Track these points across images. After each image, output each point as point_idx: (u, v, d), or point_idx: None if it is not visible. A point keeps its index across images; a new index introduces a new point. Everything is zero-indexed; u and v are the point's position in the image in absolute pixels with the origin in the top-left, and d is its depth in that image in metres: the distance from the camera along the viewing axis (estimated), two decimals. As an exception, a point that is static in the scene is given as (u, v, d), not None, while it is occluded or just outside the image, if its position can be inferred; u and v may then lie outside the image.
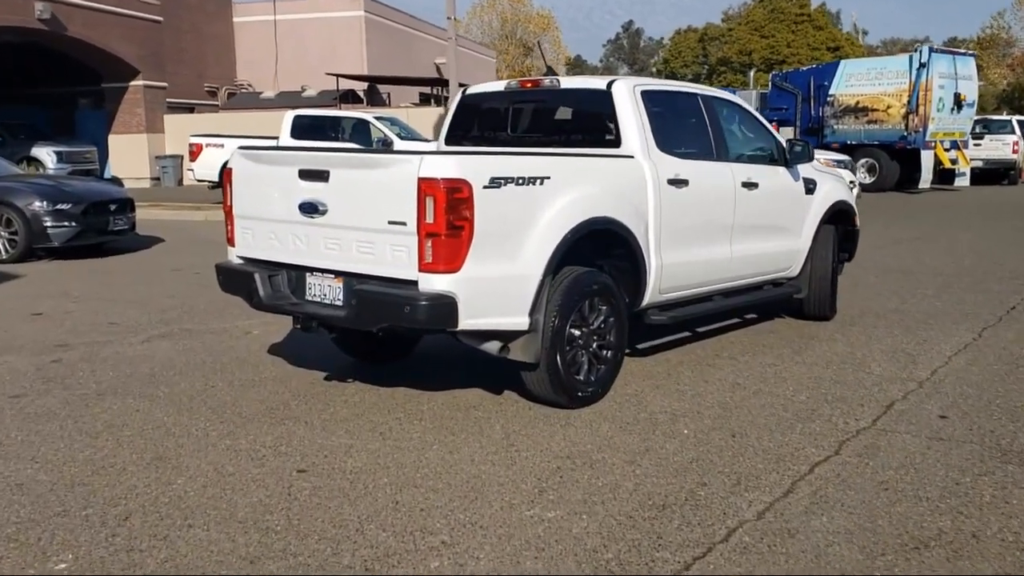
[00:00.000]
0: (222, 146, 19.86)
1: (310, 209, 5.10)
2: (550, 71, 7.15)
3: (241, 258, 5.67)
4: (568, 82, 6.30)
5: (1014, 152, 27.61)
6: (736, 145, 6.88)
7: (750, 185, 6.69)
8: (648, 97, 6.00)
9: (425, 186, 4.61)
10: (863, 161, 23.90)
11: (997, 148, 27.72)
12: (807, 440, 4.94)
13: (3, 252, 12.04)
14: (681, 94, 6.55)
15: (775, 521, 3.90)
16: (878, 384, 6.03)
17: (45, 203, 12.04)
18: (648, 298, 5.93)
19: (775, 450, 4.79)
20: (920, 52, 23.35)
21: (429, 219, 4.62)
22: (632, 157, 5.79)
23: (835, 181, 7.96)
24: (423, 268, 4.70)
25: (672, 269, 5.99)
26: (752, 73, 38.41)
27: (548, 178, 5.07)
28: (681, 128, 6.41)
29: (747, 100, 15.13)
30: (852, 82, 24.63)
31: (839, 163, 18.69)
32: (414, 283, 4.75)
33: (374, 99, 33.28)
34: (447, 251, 4.66)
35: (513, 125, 6.68)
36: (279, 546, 3.66)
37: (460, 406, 5.52)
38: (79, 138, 28.48)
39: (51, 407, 5.56)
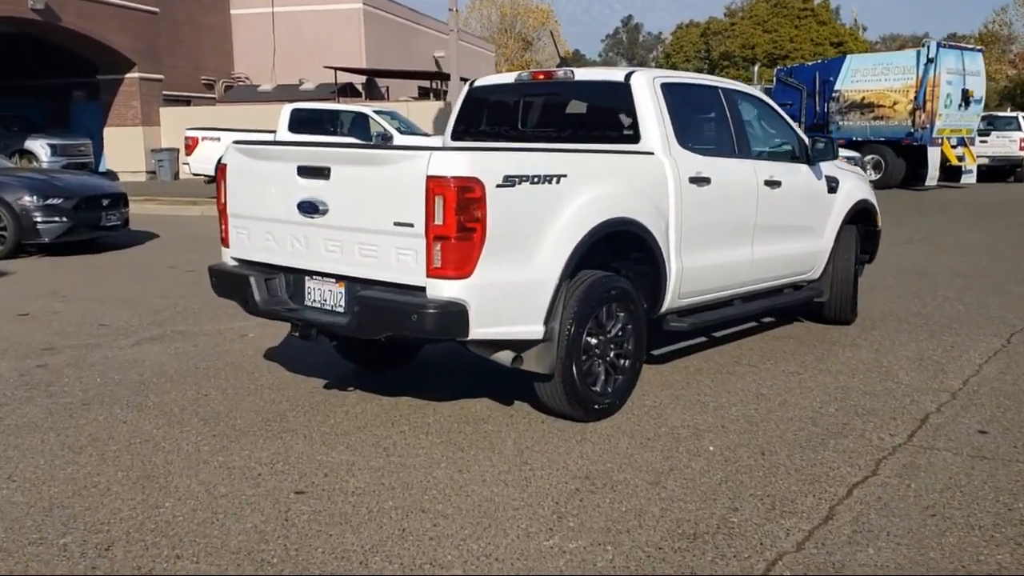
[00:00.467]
0: (219, 139, 19.56)
1: (310, 209, 4.75)
2: (563, 62, 6.78)
3: (236, 260, 5.33)
4: (583, 74, 5.95)
5: (1021, 149, 27.27)
6: (757, 141, 6.54)
7: (773, 183, 6.36)
8: (668, 90, 5.66)
9: (434, 185, 4.27)
10: (869, 158, 23.54)
11: (1004, 145, 27.39)
12: (841, 458, 4.61)
13: (-9, 248, 11.69)
14: (701, 87, 6.20)
15: (817, 553, 3.58)
16: (909, 395, 5.71)
17: (35, 198, 11.68)
18: (667, 303, 5.59)
19: (808, 469, 4.46)
20: (928, 47, 22.99)
21: (438, 220, 4.28)
22: (652, 154, 5.45)
23: (857, 179, 7.63)
24: (432, 273, 4.36)
25: (693, 273, 5.66)
26: (756, 68, 38.04)
27: (565, 176, 4.73)
28: (702, 123, 6.08)
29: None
30: (858, 78, 24.28)
31: (850, 159, 18.35)
32: (422, 289, 4.42)
33: (372, 93, 32.92)
34: (457, 255, 4.32)
35: (524, 119, 6.33)
36: (275, 582, 3.33)
37: (468, 419, 5.18)
38: (74, 131, 28.08)
39: (33, 417, 5.22)
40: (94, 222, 12.24)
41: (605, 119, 5.88)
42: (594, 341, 5.02)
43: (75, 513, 3.92)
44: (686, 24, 64.79)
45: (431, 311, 4.33)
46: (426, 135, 20.36)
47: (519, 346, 4.77)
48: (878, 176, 23.47)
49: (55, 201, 11.76)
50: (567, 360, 4.81)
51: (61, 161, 24.04)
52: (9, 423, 5.11)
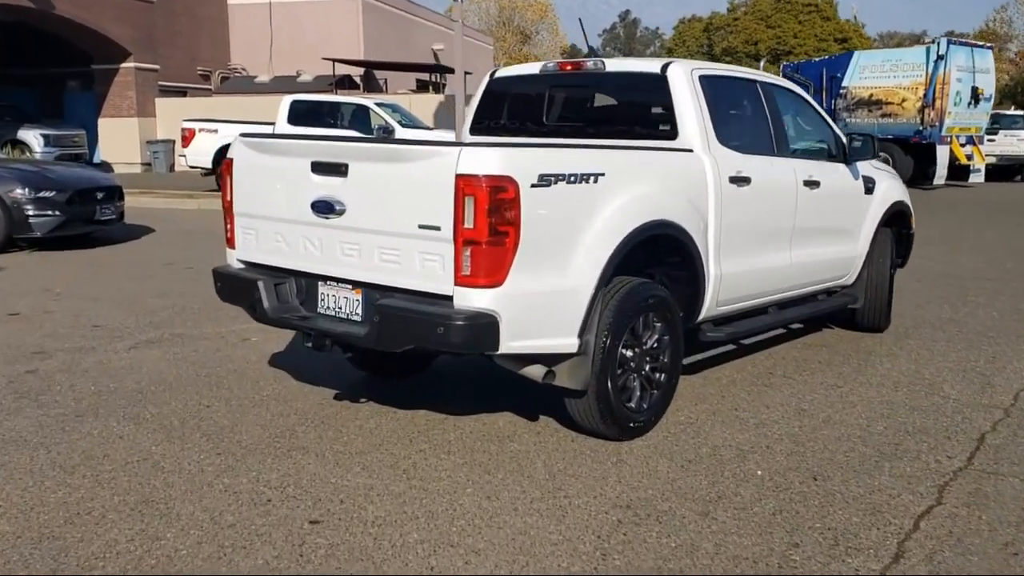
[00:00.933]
0: (216, 131, 19.11)
1: (325, 208, 4.36)
2: (592, 52, 6.38)
3: (242, 262, 4.94)
4: (615, 65, 5.55)
5: (1029, 148, 26.95)
6: (795, 138, 6.16)
7: (812, 184, 5.99)
8: (706, 82, 5.28)
9: (464, 184, 3.89)
10: (876, 155, 23.16)
11: (1011, 144, 27.06)
12: (900, 484, 4.24)
13: (-19, 243, 11.26)
14: (740, 80, 5.81)
15: (895, 600, 3.21)
16: (959, 411, 5.34)
17: (27, 190, 11.24)
18: (705, 312, 5.22)
19: (867, 497, 4.09)
20: (938, 44, 22.59)
21: (468, 224, 3.90)
22: (691, 151, 5.07)
23: (892, 179, 7.26)
24: (460, 281, 3.97)
25: (731, 279, 5.29)
26: (762, 64, 37.60)
27: (602, 175, 4.35)
28: (740, 119, 5.70)
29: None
30: (866, 74, 23.89)
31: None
32: (448, 298, 4.03)
33: (371, 85, 32.46)
34: (488, 262, 3.94)
35: (549, 113, 5.93)
36: (293, 634, 2.96)
37: (492, 436, 4.80)
38: (68, 121, 27.59)
39: (22, 431, 4.83)
40: (88, 216, 11.81)
41: (638, 113, 5.50)
42: (629, 354, 4.65)
43: (67, 545, 3.54)
44: (688, 19, 64.30)
45: (459, 323, 3.94)
46: (428, 129, 19.94)
47: (550, 359, 4.39)
48: (885, 174, 23.04)
49: (48, 194, 11.33)
50: (602, 375, 4.43)
51: (54, 152, 23.57)
52: (-5, 437, 4.73)
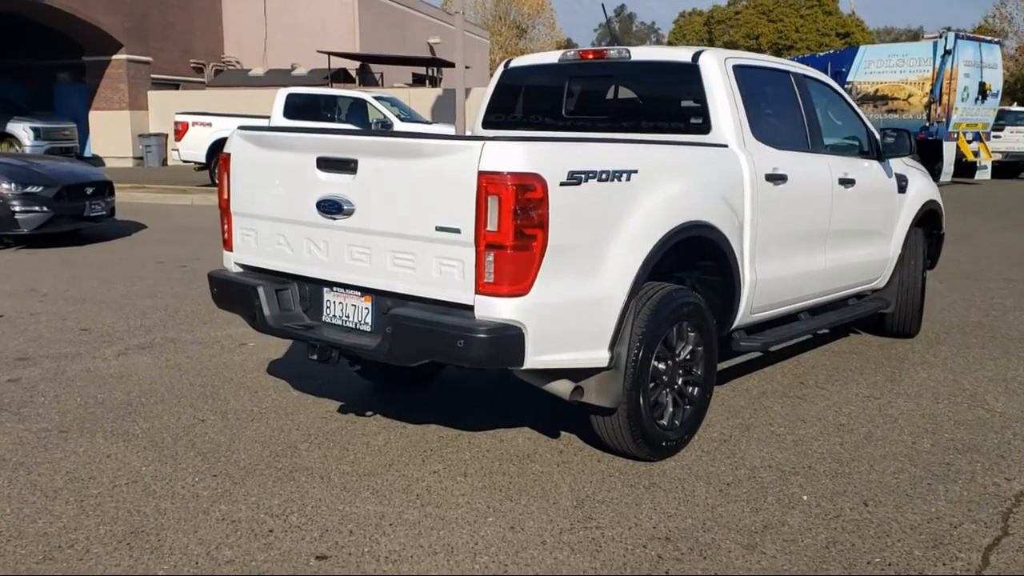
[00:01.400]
0: (209, 125, 18.73)
1: (332, 208, 3.98)
2: (615, 39, 6.00)
3: (241, 266, 4.55)
4: (641, 53, 5.16)
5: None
6: (828, 134, 5.79)
7: (847, 182, 5.62)
8: (740, 73, 4.90)
9: (487, 182, 3.51)
10: (881, 152, 22.82)
11: (1017, 141, 26.72)
12: (959, 511, 3.88)
13: (-34, 239, 10.85)
14: (773, 70, 5.43)
15: (980, 654, 2.85)
16: (1008, 426, 4.99)
17: (13, 185, 10.82)
18: (739, 319, 4.85)
19: (925, 527, 3.73)
20: (945, 39, 22.24)
21: (491, 226, 3.52)
22: (725, 146, 4.69)
23: (924, 177, 6.90)
24: (482, 290, 3.59)
25: (767, 284, 4.92)
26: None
27: (635, 172, 3.98)
28: (775, 112, 5.32)
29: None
30: (872, 69, 23.54)
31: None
32: (469, 308, 3.65)
33: (366, 79, 32.03)
34: (514, 268, 3.56)
35: (569, 106, 5.54)
36: None
37: (511, 455, 4.43)
38: (58, 114, 27.10)
39: (0, 449, 4.44)
40: (77, 212, 11.39)
41: (667, 106, 5.12)
42: (662, 367, 4.28)
43: (45, 586, 3.16)
44: (689, 12, 63.75)
45: (481, 336, 3.56)
46: (427, 123, 19.54)
47: (578, 374, 4.02)
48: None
49: (35, 189, 10.91)
50: (633, 391, 4.06)
51: (44, 145, 23.09)
52: (-29, 457, 4.34)
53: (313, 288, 4.28)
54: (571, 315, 3.79)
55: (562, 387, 3.99)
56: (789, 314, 5.49)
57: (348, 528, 3.63)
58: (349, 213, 3.95)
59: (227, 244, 4.58)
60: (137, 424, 4.83)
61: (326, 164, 4.01)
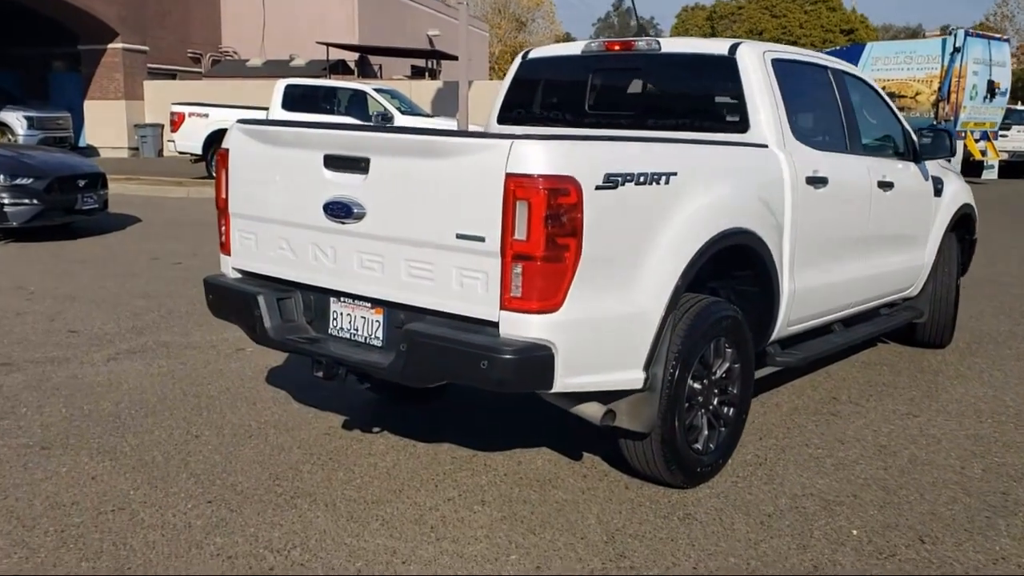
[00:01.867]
0: (206, 116, 18.32)
1: (340, 211, 3.63)
2: (642, 30, 5.62)
3: (239, 272, 4.19)
4: (672, 45, 4.80)
5: (1042, 144, 26.29)
6: (865, 133, 5.44)
7: (885, 185, 5.29)
8: (779, 68, 4.55)
9: (515, 186, 3.16)
10: (888, 151, 22.48)
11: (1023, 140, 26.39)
12: (1024, 549, 3.55)
13: (-47, 233, 10.47)
14: (812, 65, 5.07)
15: None
16: (1060, 449, 4.66)
17: (2, 177, 10.41)
18: (776, 332, 4.50)
19: (991, 568, 3.40)
20: (955, 36, 21.86)
21: (520, 234, 3.17)
22: (766, 147, 4.34)
23: (959, 180, 6.57)
24: (508, 305, 3.24)
25: (805, 294, 4.58)
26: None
27: (675, 174, 3.63)
28: (813, 110, 4.97)
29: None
30: (879, 66, 23.14)
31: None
32: (493, 325, 3.30)
33: (365, 70, 31.60)
34: (543, 281, 3.21)
35: (592, 101, 5.17)
36: None
37: (531, 481, 4.08)
38: (53, 103, 26.62)
39: (-24, 468, 4.09)
40: (68, 205, 11.00)
41: (701, 102, 4.76)
42: (698, 386, 3.93)
43: (17, 637, 2.81)
44: (691, 7, 63.15)
45: (507, 356, 3.21)
46: (428, 116, 19.15)
47: (608, 396, 3.67)
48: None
49: (25, 181, 10.52)
50: (668, 414, 3.71)
51: (38, 135, 22.61)
52: (-57, 477, 3.98)
53: (319, 298, 3.92)
54: (605, 333, 3.44)
55: (592, 411, 3.65)
56: (823, 325, 5.14)
57: (356, 566, 3.29)
58: (359, 217, 3.59)
59: (225, 247, 4.21)
60: (126, 440, 4.47)
61: (334, 163, 3.65)
